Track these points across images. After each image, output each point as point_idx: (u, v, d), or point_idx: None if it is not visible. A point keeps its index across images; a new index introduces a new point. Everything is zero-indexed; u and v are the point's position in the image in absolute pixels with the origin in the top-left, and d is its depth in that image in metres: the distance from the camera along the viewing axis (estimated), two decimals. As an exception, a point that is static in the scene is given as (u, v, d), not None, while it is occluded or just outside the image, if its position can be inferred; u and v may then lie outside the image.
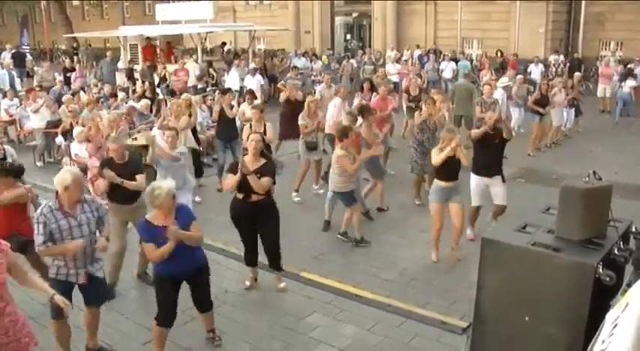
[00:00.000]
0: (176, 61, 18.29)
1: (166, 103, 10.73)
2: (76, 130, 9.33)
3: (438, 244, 6.70)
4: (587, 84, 19.18)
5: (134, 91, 14.81)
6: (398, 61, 19.65)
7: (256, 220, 5.78)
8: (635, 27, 21.60)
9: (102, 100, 12.54)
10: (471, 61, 21.84)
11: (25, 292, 5.49)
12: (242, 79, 15.95)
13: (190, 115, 9.33)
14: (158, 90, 15.04)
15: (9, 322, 3.65)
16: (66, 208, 4.49)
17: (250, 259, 6.09)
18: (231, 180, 5.58)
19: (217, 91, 12.02)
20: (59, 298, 3.87)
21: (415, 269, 6.53)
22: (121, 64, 19.53)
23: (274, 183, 5.87)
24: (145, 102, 11.75)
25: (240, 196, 5.70)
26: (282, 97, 11.07)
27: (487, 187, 7.09)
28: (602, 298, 3.17)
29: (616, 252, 3.42)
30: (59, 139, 10.99)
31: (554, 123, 12.12)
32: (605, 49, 22.89)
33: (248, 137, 5.94)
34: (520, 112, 12.65)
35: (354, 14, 30.31)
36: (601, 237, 3.52)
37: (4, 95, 14.04)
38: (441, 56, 20.80)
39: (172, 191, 4.56)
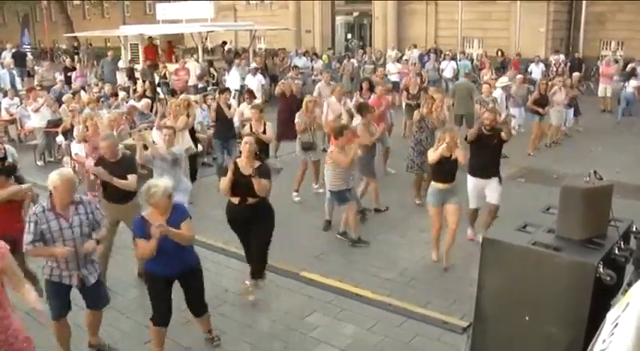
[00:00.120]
0: (177, 61, 18.30)
1: (166, 103, 10.73)
2: (77, 130, 9.33)
3: (438, 244, 6.69)
4: (587, 84, 19.18)
5: (135, 90, 14.81)
6: (399, 60, 19.64)
7: (252, 222, 5.70)
8: (635, 27, 21.59)
9: (102, 99, 12.53)
10: (472, 60, 21.84)
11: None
12: (243, 79, 15.96)
13: (188, 116, 9.31)
14: (159, 89, 15.04)
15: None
16: (58, 209, 4.45)
17: (250, 258, 6.06)
18: (226, 180, 5.52)
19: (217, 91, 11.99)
20: (39, 307, 3.81)
21: (415, 269, 6.53)
22: (121, 64, 19.54)
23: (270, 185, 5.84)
24: (145, 101, 11.75)
25: (235, 200, 5.63)
26: (277, 90, 11.09)
27: (483, 188, 7.01)
28: (603, 297, 3.17)
29: (616, 251, 3.42)
30: (60, 139, 11.00)
31: (554, 122, 12.12)
32: (606, 48, 22.88)
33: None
34: (520, 112, 12.64)
35: (355, 14, 30.30)
36: (601, 236, 3.51)
37: (5, 94, 14.05)
38: (442, 56, 20.80)
39: (169, 190, 4.54)
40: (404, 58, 19.99)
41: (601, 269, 3.20)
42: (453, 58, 19.58)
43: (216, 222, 7.36)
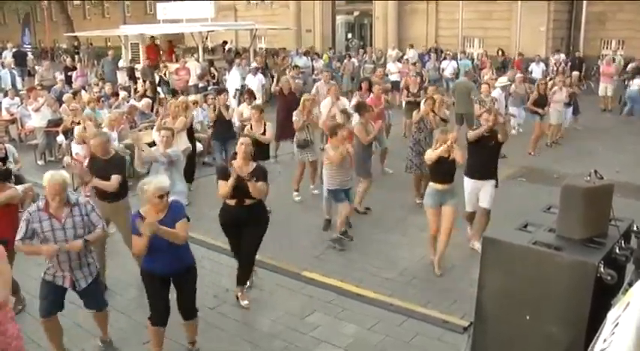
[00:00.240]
0: (177, 60, 18.31)
1: (166, 102, 10.74)
2: (77, 130, 9.34)
3: (435, 245, 6.61)
4: (588, 83, 19.18)
5: (135, 90, 14.81)
6: (399, 60, 19.64)
7: (247, 224, 5.60)
8: (636, 26, 21.58)
9: (103, 99, 12.53)
10: (472, 60, 21.83)
11: (27, 290, 5.52)
12: (243, 78, 15.95)
13: (186, 117, 9.29)
14: (159, 89, 15.05)
15: None
16: (51, 209, 4.43)
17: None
18: (226, 187, 5.40)
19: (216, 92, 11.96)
20: None
21: (416, 268, 6.53)
22: (122, 63, 19.54)
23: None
24: (146, 101, 11.75)
25: (231, 202, 5.53)
26: (275, 88, 11.08)
27: (479, 190, 6.86)
28: (604, 297, 3.17)
29: (617, 251, 3.42)
30: (60, 138, 11.00)
31: (553, 122, 12.11)
32: (607, 48, 22.87)
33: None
34: (519, 112, 12.63)
35: (356, 13, 30.30)
36: (602, 236, 3.51)
37: (5, 94, 14.05)
38: (442, 55, 20.79)
39: (160, 190, 4.47)
40: (404, 57, 20.00)
41: (602, 269, 3.20)
42: (454, 58, 19.57)
43: (216, 221, 7.29)
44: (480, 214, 6.89)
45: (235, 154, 5.66)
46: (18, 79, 17.83)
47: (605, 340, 2.26)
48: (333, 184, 7.01)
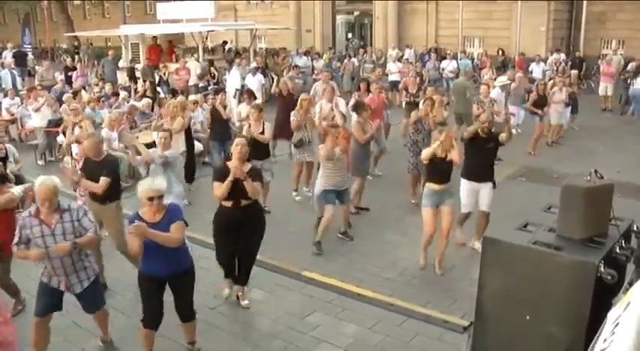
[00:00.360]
0: (177, 60, 18.30)
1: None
2: (77, 131, 9.31)
3: (427, 249, 6.52)
4: (588, 82, 19.17)
5: (136, 90, 14.80)
6: (399, 59, 19.64)
7: (245, 225, 5.53)
8: (636, 26, 21.58)
9: (103, 99, 12.54)
10: (472, 59, 21.83)
11: (26, 291, 5.51)
12: (243, 78, 15.94)
13: (183, 118, 9.26)
14: (159, 89, 15.04)
15: None
16: (42, 215, 4.40)
17: (231, 268, 5.80)
18: (223, 187, 5.33)
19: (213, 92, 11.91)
20: None
21: (416, 268, 6.52)
22: (122, 63, 19.54)
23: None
24: (146, 101, 11.75)
25: (228, 203, 5.44)
26: (275, 89, 11.05)
27: (477, 192, 6.81)
28: (604, 296, 3.17)
29: (617, 251, 3.42)
30: (60, 138, 10.99)
31: (553, 122, 12.11)
32: (607, 47, 22.87)
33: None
34: (518, 112, 12.63)
35: (356, 13, 30.31)
36: (602, 236, 3.51)
37: (6, 94, 14.05)
38: (438, 55, 20.76)
39: (151, 192, 4.43)
40: (404, 57, 19.99)
41: (602, 268, 3.20)
42: (454, 58, 19.56)
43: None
44: (480, 217, 6.85)
45: (230, 154, 5.59)
46: (18, 79, 17.82)
47: (605, 340, 2.26)
48: (328, 185, 6.95)
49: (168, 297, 4.74)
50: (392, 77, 17.51)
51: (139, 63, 18.96)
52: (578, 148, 11.96)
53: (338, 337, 5.17)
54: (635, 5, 21.10)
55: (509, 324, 3.61)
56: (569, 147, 12.21)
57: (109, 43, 30.59)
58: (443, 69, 18.72)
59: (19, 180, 6.52)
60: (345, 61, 20.01)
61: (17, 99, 13.43)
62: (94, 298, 4.79)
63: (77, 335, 5.12)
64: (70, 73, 17.50)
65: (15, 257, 4.78)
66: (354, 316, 5.54)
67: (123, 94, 13.10)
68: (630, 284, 2.93)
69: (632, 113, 15.35)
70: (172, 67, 17.43)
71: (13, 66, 18.54)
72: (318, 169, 7.29)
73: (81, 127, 8.72)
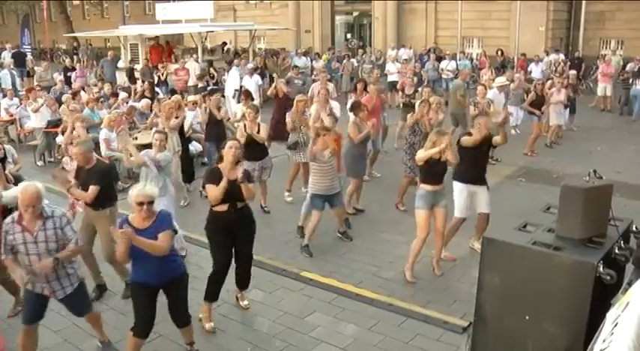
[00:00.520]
0: (177, 61, 18.28)
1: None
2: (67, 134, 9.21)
3: (416, 260, 6.31)
4: (588, 83, 19.18)
5: (135, 90, 14.79)
6: (398, 59, 19.63)
7: (240, 228, 5.46)
8: (635, 26, 21.60)
9: (102, 99, 12.53)
10: (472, 60, 21.84)
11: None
12: (242, 78, 15.94)
13: (177, 117, 9.21)
14: (158, 89, 15.03)
15: None
16: (24, 221, 4.31)
17: (223, 278, 5.49)
18: (218, 190, 5.19)
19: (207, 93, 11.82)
20: None
21: (416, 268, 6.50)
22: (121, 64, 19.54)
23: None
24: (145, 101, 11.74)
25: (223, 207, 5.29)
26: (272, 91, 11.02)
27: (473, 195, 6.70)
28: (603, 296, 3.17)
29: (616, 251, 3.43)
30: (59, 139, 10.97)
31: (552, 122, 12.10)
32: (606, 48, 22.89)
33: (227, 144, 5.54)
34: (517, 112, 12.63)
35: (355, 13, 30.30)
36: (601, 236, 3.52)
37: (4, 95, 14.04)
38: (434, 54, 20.75)
39: (142, 197, 4.36)
40: (403, 57, 19.99)
41: (601, 268, 3.20)
42: (453, 58, 19.57)
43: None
44: (481, 219, 6.78)
45: (221, 157, 5.41)
46: (17, 80, 17.80)
47: (604, 340, 2.27)
48: (316, 189, 6.89)
49: (164, 298, 4.72)
50: (391, 77, 17.50)
51: (139, 63, 18.95)
52: (577, 149, 11.97)
53: (337, 338, 5.17)
54: (634, 5, 21.12)
55: (508, 324, 3.62)
56: (569, 147, 12.21)
57: (108, 44, 30.59)
58: (442, 69, 18.71)
59: (18, 181, 6.50)
60: (345, 61, 20.01)
61: (16, 99, 13.43)
62: (79, 303, 4.70)
63: (77, 335, 5.12)
64: (69, 74, 17.48)
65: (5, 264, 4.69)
66: (353, 316, 5.54)
67: (122, 94, 13.10)
68: (629, 284, 2.94)
69: (630, 113, 15.36)
70: (172, 67, 17.43)
71: (12, 67, 18.53)
72: None
73: (74, 128, 8.57)
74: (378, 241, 7.36)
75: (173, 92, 14.58)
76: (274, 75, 13.14)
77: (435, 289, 6.10)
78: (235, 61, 17.22)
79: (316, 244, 7.17)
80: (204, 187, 5.29)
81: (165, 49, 20.29)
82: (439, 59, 19.67)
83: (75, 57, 26.09)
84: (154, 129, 7.98)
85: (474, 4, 23.30)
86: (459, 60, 19.51)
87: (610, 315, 2.46)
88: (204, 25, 19.38)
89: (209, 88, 14.71)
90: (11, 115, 12.94)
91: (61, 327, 5.15)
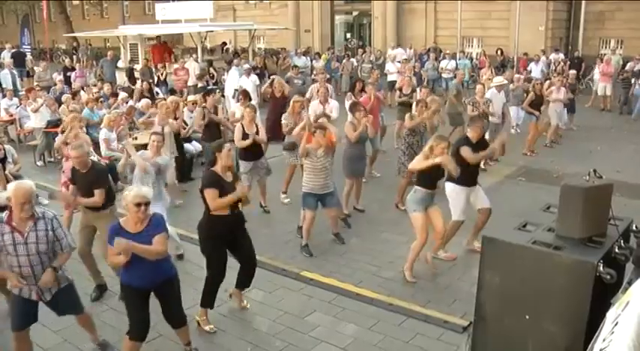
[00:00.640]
0: (176, 61, 18.28)
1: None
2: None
3: (415, 260, 6.30)
4: (587, 82, 19.18)
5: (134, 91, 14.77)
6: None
7: (239, 231, 5.39)
8: (634, 25, 21.60)
9: (102, 99, 12.54)
10: (471, 59, 21.84)
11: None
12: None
13: (177, 118, 9.18)
14: (157, 89, 15.03)
15: None
16: (14, 222, 4.22)
17: (217, 290, 5.44)
18: (225, 201, 5.11)
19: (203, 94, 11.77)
20: None
21: (416, 268, 6.50)
22: (120, 64, 19.54)
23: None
24: (145, 101, 11.75)
25: (224, 211, 5.19)
26: (267, 89, 10.99)
27: (470, 196, 6.70)
28: (603, 296, 3.18)
29: (616, 250, 3.43)
30: (59, 139, 10.99)
31: (552, 122, 12.10)
32: (606, 47, 22.90)
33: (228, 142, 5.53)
34: (517, 111, 12.63)
35: (354, 13, 30.31)
36: (601, 235, 3.52)
37: (4, 95, 14.04)
38: (441, 55, 20.79)
39: (140, 198, 4.32)
40: (401, 57, 19.98)
41: (601, 268, 3.21)
42: (453, 58, 19.57)
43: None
44: (483, 215, 6.79)
45: (213, 162, 5.29)
46: (18, 80, 17.79)
47: (604, 340, 2.27)
48: (309, 188, 6.86)
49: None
50: (390, 77, 17.50)
51: (138, 63, 18.96)
52: (577, 148, 11.97)
53: (337, 337, 5.17)
54: (634, 5, 21.11)
55: (508, 323, 3.62)
56: (568, 147, 12.22)
57: (108, 44, 30.58)
58: (442, 68, 18.71)
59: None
60: (344, 61, 20.02)
61: (15, 99, 13.43)
62: (68, 306, 4.65)
63: (77, 336, 5.11)
64: (68, 74, 17.49)
65: None
66: (353, 316, 5.54)
67: (122, 94, 13.11)
68: (629, 284, 2.94)
69: (630, 113, 15.37)
70: (171, 67, 17.44)
71: (11, 67, 18.52)
72: None
73: (71, 129, 8.50)
74: (378, 240, 7.36)
75: (173, 92, 14.58)
76: (275, 77, 13.08)
77: (435, 288, 6.10)
78: (235, 61, 17.22)
79: (316, 243, 7.17)
80: (202, 191, 5.20)
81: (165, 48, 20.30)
82: (437, 58, 19.68)
83: (74, 57, 26.10)
84: (152, 130, 7.95)
85: (473, 4, 23.30)
86: (459, 59, 19.51)
87: (610, 314, 2.46)
88: (203, 25, 19.37)
89: (208, 88, 14.71)
90: (11, 115, 12.94)
91: (61, 327, 5.15)
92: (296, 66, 17.20)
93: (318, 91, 9.90)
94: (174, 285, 4.64)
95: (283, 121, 8.69)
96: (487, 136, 9.27)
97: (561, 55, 20.71)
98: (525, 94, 12.32)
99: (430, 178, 6.19)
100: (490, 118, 10.14)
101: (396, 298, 5.83)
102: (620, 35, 22.48)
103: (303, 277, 6.38)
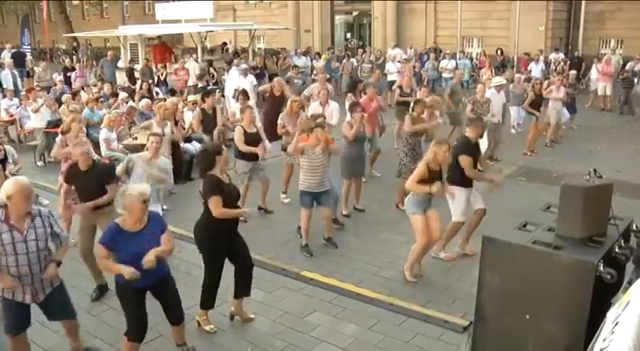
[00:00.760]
0: (176, 61, 18.28)
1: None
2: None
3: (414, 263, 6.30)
4: (587, 82, 19.16)
5: (134, 91, 14.77)
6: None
7: (235, 235, 5.35)
8: (634, 25, 21.61)
9: (102, 99, 12.54)
10: (471, 59, 21.84)
11: None
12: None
13: (177, 121, 9.15)
14: (157, 89, 15.02)
15: None
16: (12, 220, 4.15)
17: (214, 296, 5.41)
18: (233, 212, 5.14)
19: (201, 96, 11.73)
20: None
21: (415, 267, 6.51)
22: (121, 64, 19.55)
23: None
24: (145, 101, 11.74)
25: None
26: (265, 87, 10.96)
27: (471, 197, 6.70)
28: (603, 296, 3.18)
29: (617, 250, 3.43)
30: (60, 139, 10.98)
31: (551, 121, 12.10)
32: (606, 47, 22.90)
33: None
34: (519, 111, 12.63)
35: (354, 13, 30.32)
36: (602, 235, 3.52)
37: (4, 95, 14.04)
38: (441, 55, 20.80)
39: (145, 196, 4.32)
40: (403, 57, 19.99)
41: (601, 268, 3.20)
42: (453, 58, 19.58)
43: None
44: (479, 215, 6.78)
45: (211, 165, 5.16)
46: (18, 80, 17.79)
47: (604, 339, 2.27)
48: (305, 186, 6.85)
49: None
50: (390, 77, 17.50)
51: (138, 63, 18.96)
52: (577, 148, 11.97)
53: (338, 337, 5.17)
54: (633, 5, 21.12)
55: (508, 323, 3.62)
56: (569, 147, 12.22)
57: (108, 44, 30.59)
58: (443, 68, 18.72)
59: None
60: (344, 61, 20.01)
61: (16, 100, 13.43)
62: (62, 307, 4.60)
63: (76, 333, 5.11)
64: (68, 74, 17.48)
65: None
66: (353, 316, 5.54)
67: (122, 94, 13.10)
68: (630, 283, 2.94)
69: (631, 113, 15.37)
70: (172, 67, 17.44)
71: (12, 67, 18.50)
72: None
73: (70, 129, 8.47)
74: (378, 240, 7.36)
75: (173, 92, 14.58)
76: (277, 78, 13.05)
77: (435, 288, 6.10)
78: (235, 61, 17.22)
79: (316, 243, 7.17)
80: (206, 197, 5.13)
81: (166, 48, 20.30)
82: (436, 58, 19.69)
83: (74, 57, 26.09)
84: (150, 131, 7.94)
85: (473, 4, 23.31)
86: (459, 59, 19.51)
87: (610, 314, 2.46)
88: (203, 25, 19.37)
89: (209, 89, 14.72)
90: (11, 116, 12.94)
91: (61, 327, 5.14)
92: (296, 66, 17.20)
93: (319, 92, 9.87)
94: (169, 282, 4.66)
95: (280, 122, 8.67)
96: (486, 136, 9.33)
97: (561, 55, 20.71)
98: (525, 94, 12.33)
99: (430, 180, 6.15)
100: (490, 117, 10.15)
101: (396, 298, 5.82)
102: (620, 35, 22.48)
103: (303, 277, 6.38)
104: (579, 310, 3.26)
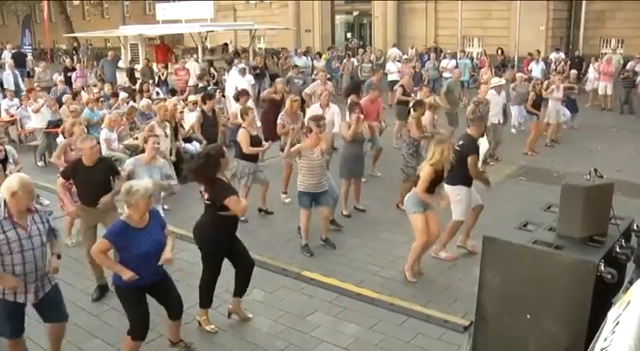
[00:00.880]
0: (177, 61, 18.29)
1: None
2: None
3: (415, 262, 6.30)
4: (585, 82, 19.14)
5: (135, 91, 14.77)
6: (399, 59, 19.61)
7: (233, 231, 5.34)
8: (635, 24, 21.57)
9: (102, 99, 12.54)
10: (472, 59, 21.83)
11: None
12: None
13: (177, 123, 9.12)
14: (157, 89, 15.02)
15: None
16: (15, 217, 4.15)
17: (212, 294, 5.41)
18: (244, 204, 5.39)
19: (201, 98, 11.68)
20: None
21: (416, 268, 6.51)
22: (121, 64, 19.55)
23: None
24: (146, 101, 11.75)
25: (232, 213, 5.16)
26: (269, 90, 10.94)
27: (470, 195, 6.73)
28: (604, 295, 3.17)
29: (617, 250, 3.43)
30: (60, 139, 10.98)
31: (551, 120, 12.08)
32: (606, 46, 22.88)
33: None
34: (520, 111, 12.62)
35: (355, 13, 30.32)
36: (602, 235, 3.52)
37: (5, 95, 14.04)
38: (441, 54, 20.79)
39: (150, 191, 4.38)
40: (404, 56, 19.99)
41: (602, 267, 3.20)
42: (453, 57, 19.57)
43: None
44: (476, 211, 6.80)
45: (216, 168, 5.12)
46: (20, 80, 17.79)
47: (605, 339, 2.26)
48: (304, 187, 6.84)
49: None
50: (391, 77, 17.49)
51: (139, 63, 18.97)
52: (577, 148, 11.97)
53: (338, 337, 5.17)
54: (634, 4, 21.09)
55: (509, 323, 3.61)
56: (569, 146, 12.21)
57: (109, 44, 30.59)
58: (443, 67, 18.71)
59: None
60: (345, 60, 20.01)
61: (16, 100, 13.44)
62: (57, 307, 4.56)
63: (77, 335, 5.11)
64: (69, 74, 17.49)
65: None
66: (354, 315, 5.54)
67: (123, 95, 13.10)
68: (630, 283, 2.93)
69: (632, 112, 15.37)
70: (172, 67, 17.45)
71: (13, 67, 18.50)
72: None
73: (72, 133, 8.44)
74: (379, 240, 7.36)
75: (173, 92, 14.58)
76: (278, 79, 13.03)
77: (435, 288, 6.10)
78: (235, 61, 17.23)
79: (316, 243, 7.17)
80: (222, 199, 5.06)
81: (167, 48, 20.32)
82: (437, 58, 19.68)
83: (75, 57, 26.10)
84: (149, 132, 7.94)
85: (474, 4, 23.30)
86: (459, 59, 19.50)
87: (611, 314, 2.46)
88: (204, 25, 19.38)
89: (209, 89, 14.72)
90: (12, 116, 12.95)
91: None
92: (296, 66, 17.19)
93: (321, 94, 9.85)
94: (166, 277, 4.71)
95: (279, 121, 8.67)
96: (486, 136, 9.30)
97: (562, 55, 20.69)
98: (527, 93, 12.32)
99: (433, 182, 6.16)
100: (490, 117, 10.16)
101: (397, 298, 5.82)
102: (621, 34, 22.46)
103: (303, 276, 6.38)
104: (580, 310, 3.26)
